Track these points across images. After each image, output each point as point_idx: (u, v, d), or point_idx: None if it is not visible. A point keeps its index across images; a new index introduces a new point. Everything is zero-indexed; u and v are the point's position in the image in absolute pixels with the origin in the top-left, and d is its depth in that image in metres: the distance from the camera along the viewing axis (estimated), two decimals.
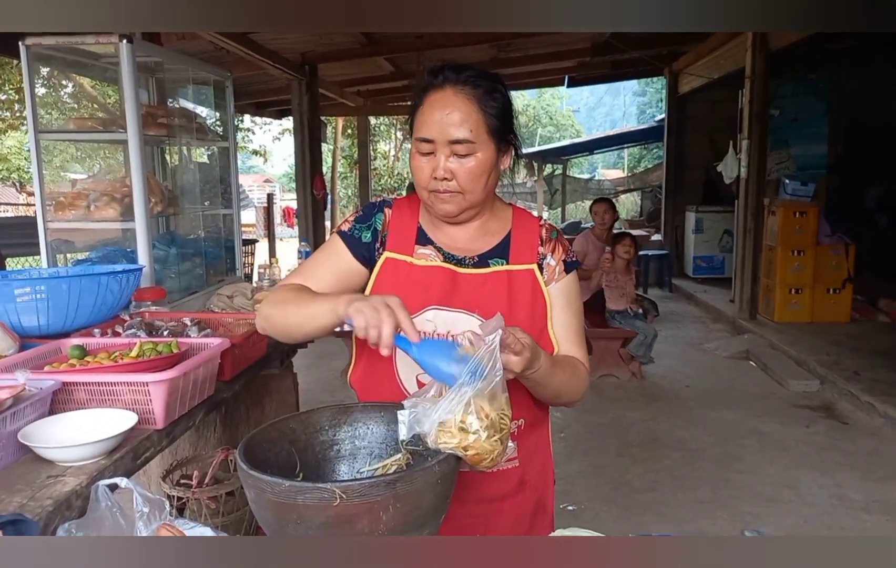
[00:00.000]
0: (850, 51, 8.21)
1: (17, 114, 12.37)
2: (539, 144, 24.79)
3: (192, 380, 1.74)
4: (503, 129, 1.30)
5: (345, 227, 1.39)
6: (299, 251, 4.77)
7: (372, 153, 15.88)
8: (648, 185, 15.49)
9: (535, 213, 1.51)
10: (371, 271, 1.36)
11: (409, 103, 1.34)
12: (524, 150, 1.40)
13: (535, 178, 17.17)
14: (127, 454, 1.48)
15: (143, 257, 2.72)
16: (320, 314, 1.19)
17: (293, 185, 11.68)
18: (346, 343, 5.13)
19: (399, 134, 18.86)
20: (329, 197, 10.96)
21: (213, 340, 1.94)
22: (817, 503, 3.52)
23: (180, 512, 2.30)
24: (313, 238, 8.41)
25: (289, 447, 1.13)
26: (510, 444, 1.08)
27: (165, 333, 2.06)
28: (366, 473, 1.16)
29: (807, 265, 7.03)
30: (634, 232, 9.75)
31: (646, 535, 1.10)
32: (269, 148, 19.04)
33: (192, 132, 3.29)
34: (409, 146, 1.32)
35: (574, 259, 1.41)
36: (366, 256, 1.37)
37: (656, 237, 11.64)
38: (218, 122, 3.73)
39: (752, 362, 6.16)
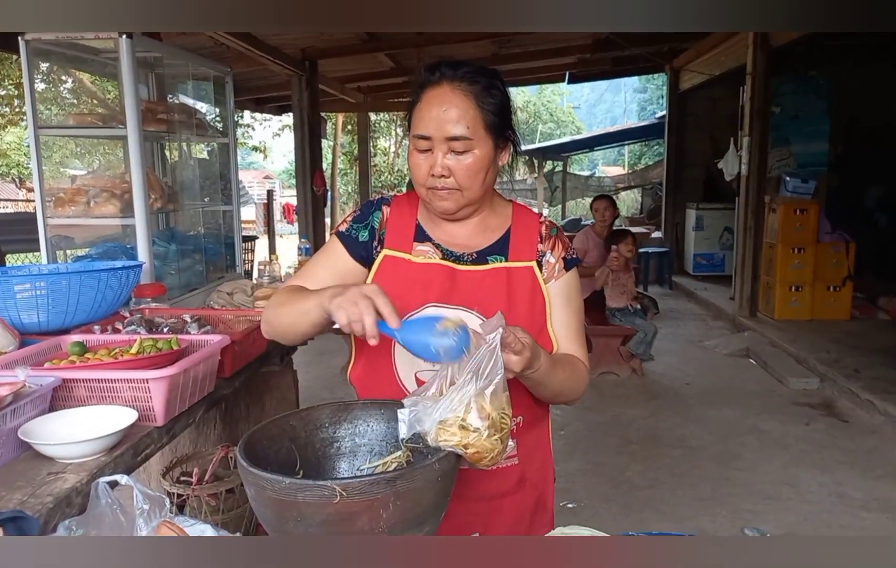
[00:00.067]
0: (850, 50, 8.21)
1: (17, 109, 12.36)
2: (539, 141, 24.80)
3: (192, 377, 1.74)
4: (501, 126, 1.29)
5: (342, 228, 1.39)
6: (299, 247, 4.77)
7: (372, 149, 15.86)
8: (649, 182, 15.48)
9: (536, 210, 1.50)
10: (369, 270, 1.36)
11: (408, 100, 1.34)
12: (524, 147, 1.39)
13: (536, 174, 17.15)
14: (127, 451, 1.48)
15: (142, 254, 2.71)
16: (309, 310, 1.19)
17: (293, 181, 11.68)
18: (345, 340, 5.11)
19: (399, 130, 18.82)
20: (329, 193, 10.94)
21: (213, 336, 1.94)
22: (817, 501, 3.52)
23: (180, 509, 2.30)
24: (313, 234, 8.39)
25: (289, 444, 1.13)
26: (510, 442, 1.08)
27: (165, 329, 2.06)
28: (366, 471, 1.16)
29: (807, 263, 7.03)
30: (635, 229, 9.77)
31: (646, 533, 1.11)
32: (268, 144, 19.02)
33: (191, 128, 3.28)
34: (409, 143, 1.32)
35: (574, 256, 1.41)
36: (363, 256, 1.37)
37: (656, 234, 11.64)
38: (218, 118, 3.72)
39: (752, 360, 6.16)
